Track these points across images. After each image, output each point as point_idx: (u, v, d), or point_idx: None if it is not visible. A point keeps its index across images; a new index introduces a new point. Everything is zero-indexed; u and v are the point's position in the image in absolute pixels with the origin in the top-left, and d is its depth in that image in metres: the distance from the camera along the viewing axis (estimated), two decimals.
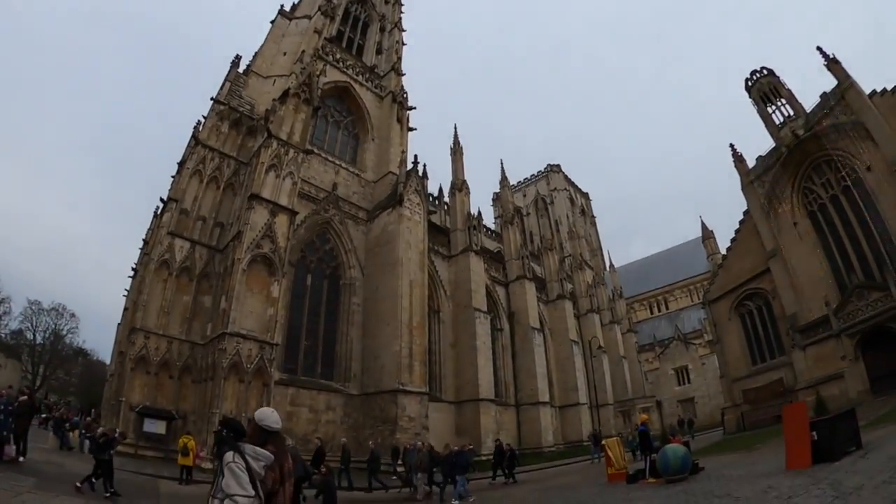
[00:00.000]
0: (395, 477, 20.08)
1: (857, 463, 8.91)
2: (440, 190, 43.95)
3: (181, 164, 30.53)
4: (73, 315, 61.85)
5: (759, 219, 29.90)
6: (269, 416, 4.40)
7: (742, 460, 14.82)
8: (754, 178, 30.81)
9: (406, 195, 30.32)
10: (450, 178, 41.42)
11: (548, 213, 67.00)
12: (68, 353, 64.30)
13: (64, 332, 61.84)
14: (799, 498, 7.50)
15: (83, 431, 21.84)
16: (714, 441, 25.85)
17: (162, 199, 30.34)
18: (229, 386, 20.40)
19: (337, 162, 32.67)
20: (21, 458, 12.71)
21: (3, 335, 58.06)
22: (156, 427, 19.90)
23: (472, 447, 21.54)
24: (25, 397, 14.16)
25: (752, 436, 23.11)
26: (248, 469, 3.70)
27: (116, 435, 13.30)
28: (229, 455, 3.72)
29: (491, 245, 46.78)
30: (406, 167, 32.03)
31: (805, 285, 27.07)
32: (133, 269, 40.07)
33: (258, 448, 3.90)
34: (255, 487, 3.65)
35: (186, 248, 25.20)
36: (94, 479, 11.29)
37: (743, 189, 31.76)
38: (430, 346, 31.39)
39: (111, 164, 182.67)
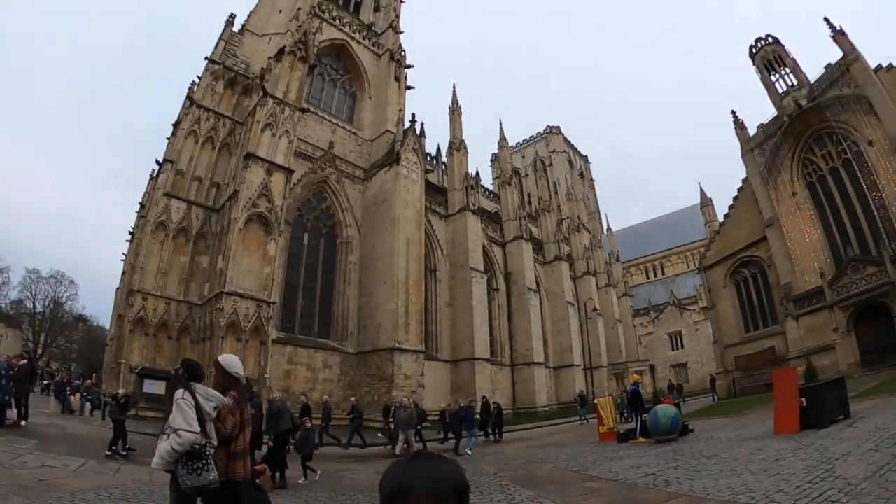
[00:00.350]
0: (380, 434, 20.36)
1: (844, 431, 9.06)
2: (438, 149, 43.52)
3: (176, 126, 30.15)
4: (71, 282, 62.25)
5: (758, 187, 29.75)
6: (235, 363, 4.55)
7: (731, 424, 15.09)
8: (755, 145, 30.51)
9: (403, 153, 29.99)
10: (448, 139, 40.89)
11: (546, 174, 66.37)
12: (68, 320, 64.76)
13: (63, 300, 62.33)
14: (786, 461, 7.64)
15: (84, 395, 22.13)
16: (704, 406, 26.32)
17: (157, 162, 30.02)
18: (227, 345, 20.56)
19: (333, 121, 32.19)
20: (23, 423, 12.85)
21: (2, 306, 58.46)
22: (155, 388, 20.06)
23: (472, 403, 21.78)
24: (25, 361, 14.20)
25: (742, 402, 23.51)
26: (198, 407, 3.80)
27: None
28: (179, 392, 3.86)
29: (489, 205, 46.62)
30: (403, 126, 31.56)
31: (801, 255, 27.14)
32: (130, 232, 39.90)
33: (210, 389, 4.03)
34: (202, 425, 3.76)
35: (183, 208, 25.08)
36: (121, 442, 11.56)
37: (743, 156, 31.48)
38: (427, 305, 31.55)
39: (105, 130, 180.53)
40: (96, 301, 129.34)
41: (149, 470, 9.34)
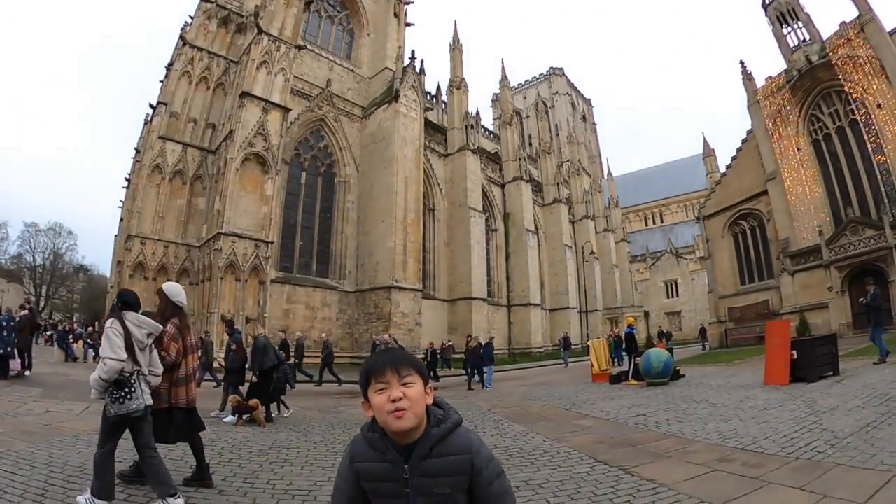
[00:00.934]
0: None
1: (833, 387, 9.22)
2: (438, 88, 42.47)
3: (169, 67, 29.34)
4: (70, 232, 62.13)
5: (762, 139, 29.31)
6: (179, 292, 4.71)
7: (721, 372, 15.40)
8: (762, 97, 29.84)
9: (402, 91, 29.36)
10: (448, 77, 39.84)
11: (548, 116, 65.07)
12: (68, 270, 65.05)
13: (63, 251, 62.53)
14: (774, 410, 7.85)
15: (87, 342, 22.41)
16: (696, 354, 26.85)
17: (151, 105, 29.35)
18: (226, 286, 20.81)
19: (331, 58, 31.27)
20: (27, 373, 13.01)
21: (2, 261, 58.41)
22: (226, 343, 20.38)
23: (490, 340, 22.07)
24: (26, 311, 14.24)
25: (733, 352, 23.97)
26: (127, 336, 3.85)
27: None
28: (109, 322, 3.91)
29: (488, 146, 45.96)
30: (403, 63, 30.70)
31: (800, 212, 27.06)
32: (126, 178, 39.48)
33: (143, 317, 4.08)
34: (131, 353, 3.83)
35: (178, 151, 24.77)
36: None
37: (749, 107, 30.84)
38: (425, 244, 31.89)
39: (97, 76, 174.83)
40: (96, 250, 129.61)
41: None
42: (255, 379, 9.16)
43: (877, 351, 12.07)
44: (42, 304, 55.74)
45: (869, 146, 24.87)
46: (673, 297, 62.40)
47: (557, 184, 48.84)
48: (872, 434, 5.52)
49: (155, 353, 4.24)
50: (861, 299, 13.35)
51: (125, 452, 4.82)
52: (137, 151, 35.66)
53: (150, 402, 4.05)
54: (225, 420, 9.03)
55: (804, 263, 26.33)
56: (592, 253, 50.91)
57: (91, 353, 21.79)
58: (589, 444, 6.81)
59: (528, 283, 39.96)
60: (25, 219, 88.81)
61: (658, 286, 63.56)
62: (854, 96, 25.33)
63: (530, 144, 63.20)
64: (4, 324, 11.92)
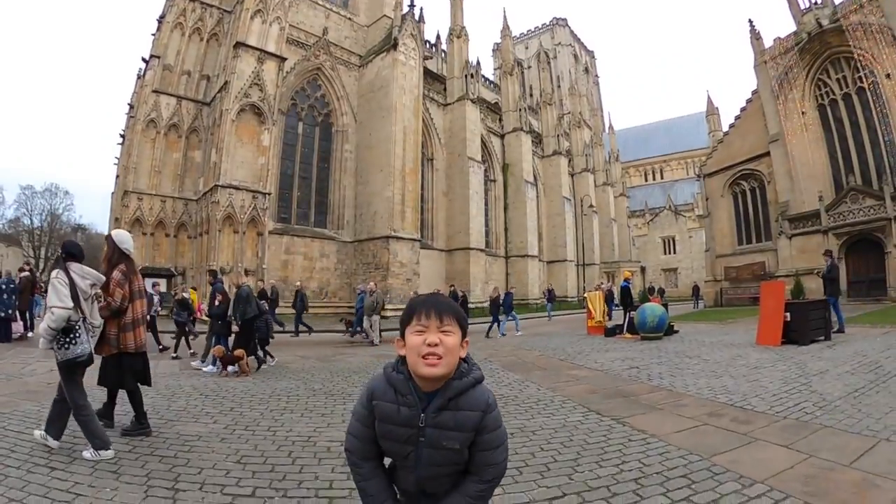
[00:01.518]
0: (342, 320, 20.53)
1: (824, 351, 9.35)
2: (437, 37, 41.45)
3: (161, 20, 28.19)
4: (66, 193, 62.43)
5: (767, 100, 28.80)
6: (126, 239, 4.79)
7: (715, 330, 15.64)
8: (769, 58, 29.19)
9: (401, 39, 28.58)
10: (448, 26, 38.68)
11: (550, 67, 63.75)
12: (67, 231, 64.25)
13: (60, 212, 62.55)
14: (765, 370, 8.02)
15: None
16: (689, 311, 27.17)
17: (144, 59, 28.45)
18: (224, 238, 20.84)
19: (327, 6, 30.23)
20: (29, 334, 13.10)
21: (0, 225, 58.35)
22: (210, 292, 20.39)
23: (512, 290, 22.08)
24: (27, 273, 14.25)
25: (727, 311, 24.34)
26: (72, 285, 3.98)
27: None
28: (54, 272, 4.05)
29: (489, 96, 45.20)
30: (401, 10, 29.72)
31: (801, 176, 26.87)
32: (121, 135, 38.64)
33: (86, 268, 4.19)
34: (76, 302, 3.97)
35: (173, 104, 24.33)
36: (189, 342, 12.20)
37: (755, 67, 30.17)
38: (423, 194, 31.78)
39: (87, 33, 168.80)
40: (93, 209, 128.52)
41: (154, 363, 9.73)
42: (236, 328, 9.21)
43: (871, 320, 12.19)
44: (41, 266, 55.95)
45: (875, 115, 24.57)
46: (670, 253, 62.64)
47: (558, 136, 48.23)
48: (860, 400, 5.63)
49: (95, 305, 4.37)
50: (816, 271, 13.42)
51: (121, 406, 4.98)
52: (131, 107, 34.81)
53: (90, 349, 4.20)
54: (204, 369, 9.08)
55: (802, 228, 26.37)
56: (591, 206, 50.81)
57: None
58: (582, 394, 6.98)
59: (526, 234, 40.06)
60: (21, 182, 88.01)
61: (656, 242, 63.71)
62: (863, 64, 24.87)
63: (531, 96, 62.04)
64: (5, 287, 11.98)
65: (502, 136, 42.13)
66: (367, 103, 29.47)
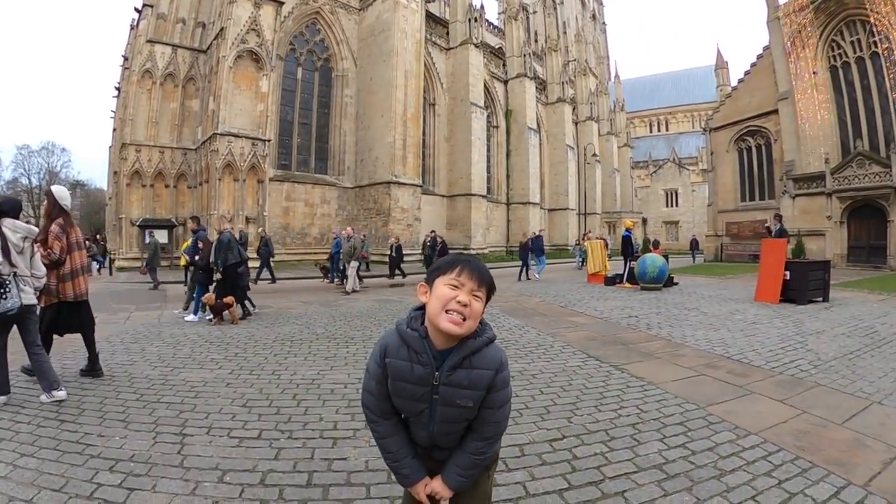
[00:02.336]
0: (316, 265, 20.57)
1: (821, 312, 9.39)
2: None
3: None
4: (63, 149, 61.40)
5: (779, 57, 27.89)
6: (65, 195, 4.99)
7: (714, 284, 15.76)
8: (783, 14, 27.98)
9: None
10: None
11: (556, 13, 61.43)
12: (66, 187, 63.15)
13: (58, 169, 61.85)
14: (762, 325, 8.11)
15: (88, 254, 22.35)
16: (688, 265, 27.23)
17: (136, 9, 27.45)
18: (224, 186, 20.73)
19: None
20: None
21: None
22: (157, 237, 20.36)
23: (541, 233, 22.41)
24: None
25: (726, 266, 24.43)
26: (3, 239, 4.09)
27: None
28: None
29: (492, 41, 44.05)
30: None
31: (808, 136, 26.34)
32: (116, 87, 37.82)
33: (18, 222, 4.28)
34: (7, 256, 4.07)
35: (168, 53, 23.61)
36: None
37: (768, 22, 28.95)
38: (425, 140, 31.41)
39: None
40: (91, 164, 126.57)
41: (158, 313, 9.88)
42: (218, 275, 9.05)
43: (869, 286, 12.19)
44: (42, 224, 55.43)
45: (888, 82, 23.84)
46: (672, 206, 62.33)
47: (562, 83, 47.21)
48: (855, 362, 5.69)
49: (37, 256, 4.47)
50: (765, 225, 13.29)
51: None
52: (126, 59, 33.94)
53: (28, 301, 4.25)
54: (187, 319, 9.03)
55: (806, 189, 26.06)
56: (595, 155, 50.22)
57: (95, 265, 22.06)
58: (582, 340, 7.09)
59: (528, 181, 39.76)
60: (17, 142, 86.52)
61: (658, 194, 63.32)
62: (879, 29, 23.92)
63: (536, 41, 60.24)
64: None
65: (506, 82, 41.22)
66: (367, 48, 28.70)
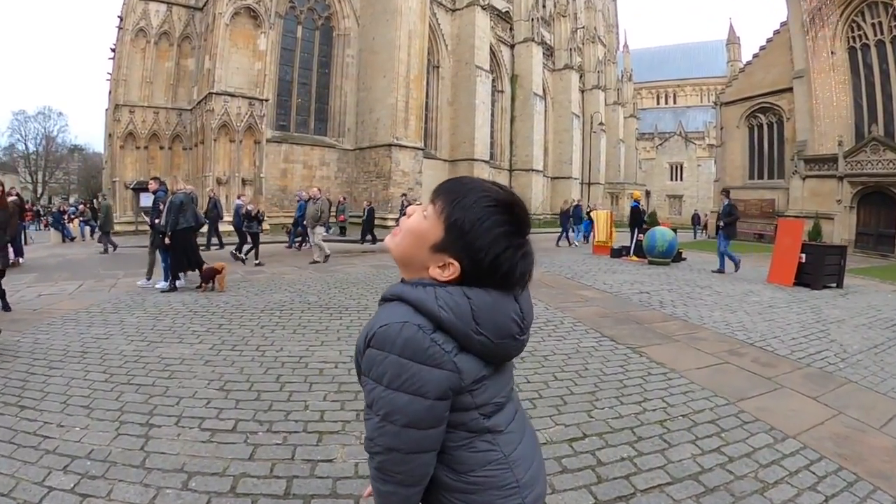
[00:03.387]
0: (283, 228, 19.81)
1: (837, 299, 9.00)
2: None
3: None
4: (60, 114, 61.07)
5: (796, 34, 26.86)
6: None
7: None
8: None
9: None
10: None
11: None
12: (62, 152, 62.89)
13: (55, 134, 60.69)
14: (779, 309, 7.75)
15: (81, 219, 21.97)
16: (690, 241, 26.98)
17: None
18: (220, 147, 20.11)
19: None
20: (21, 260, 12.42)
21: None
22: (151, 200, 19.77)
23: (579, 203, 22.74)
24: (14, 198, 13.66)
25: (732, 244, 23.81)
26: None
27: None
28: None
29: (500, 4, 42.53)
30: None
31: (823, 117, 25.52)
32: (112, 49, 36.70)
33: None
34: None
35: (162, 10, 22.58)
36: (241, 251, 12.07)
37: None
38: (428, 102, 30.50)
39: None
40: (89, 128, 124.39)
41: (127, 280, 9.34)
42: (167, 240, 8.24)
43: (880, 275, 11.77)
44: (40, 189, 55.44)
45: None
46: (677, 180, 61.52)
47: (570, 50, 45.98)
48: (882, 357, 5.37)
49: None
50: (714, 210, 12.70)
51: None
52: (121, 19, 32.91)
53: None
54: (157, 286, 8.32)
55: (817, 170, 25.39)
56: (601, 124, 49.30)
57: (87, 229, 21.56)
58: (593, 317, 6.75)
59: (531, 148, 38.87)
60: (13, 108, 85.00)
61: (663, 167, 62.51)
62: None
63: (544, 6, 58.43)
64: None
65: (512, 47, 40.04)
66: (370, 6, 27.65)
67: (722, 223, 12.68)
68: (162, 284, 8.34)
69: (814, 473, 2.86)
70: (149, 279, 8.71)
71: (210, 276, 8.15)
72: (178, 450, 2.82)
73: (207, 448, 2.85)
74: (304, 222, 13.61)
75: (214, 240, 16.35)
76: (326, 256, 12.37)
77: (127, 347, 4.80)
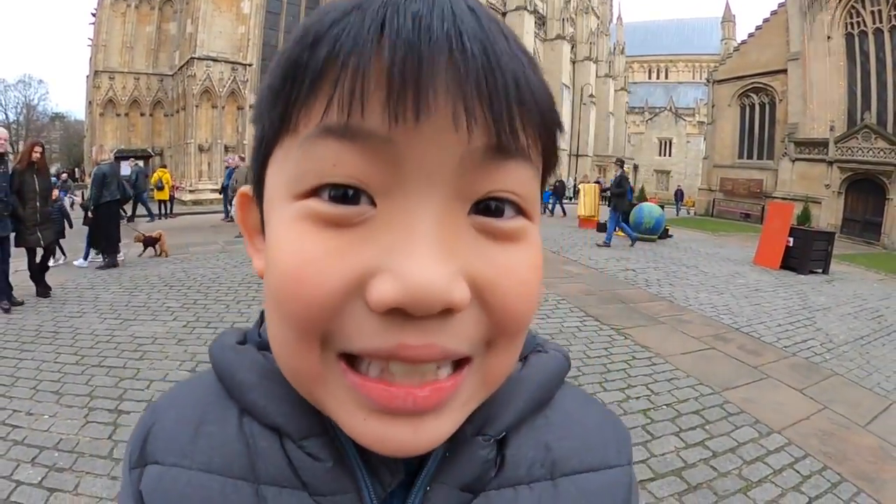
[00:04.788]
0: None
1: (823, 286, 9.01)
2: None
3: None
4: (40, 82, 58.91)
5: (794, 16, 26.61)
6: None
7: (709, 241, 15.33)
8: None
9: None
10: None
11: None
12: (44, 121, 61.17)
13: (35, 102, 59.13)
14: (766, 293, 7.77)
15: (62, 189, 21.47)
16: (674, 217, 27.02)
17: None
18: (202, 114, 19.75)
19: None
20: None
21: None
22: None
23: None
24: None
25: (718, 222, 24.31)
26: None
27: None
28: None
29: None
30: None
31: (816, 101, 25.49)
32: (93, 14, 35.43)
33: None
34: None
35: None
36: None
37: None
38: None
39: None
40: (70, 95, 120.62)
41: (126, 249, 8.76)
42: (89, 214, 7.62)
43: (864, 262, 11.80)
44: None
45: None
46: (665, 155, 61.46)
47: (563, 20, 45.30)
48: (867, 350, 5.39)
49: None
50: (598, 180, 12.53)
51: None
52: None
53: None
54: (75, 263, 7.62)
55: (808, 154, 25.42)
56: (591, 97, 48.93)
57: (67, 200, 21.06)
58: (577, 294, 6.68)
59: None
60: None
61: (652, 142, 62.37)
62: None
63: None
64: None
65: (503, 14, 39.27)
66: None
67: (609, 194, 12.40)
68: (80, 262, 7.70)
69: (798, 472, 2.84)
70: (85, 259, 7.93)
71: (149, 244, 8.06)
72: None
73: None
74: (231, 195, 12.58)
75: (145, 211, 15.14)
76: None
77: (100, 326, 4.65)
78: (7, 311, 5.02)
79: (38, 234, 5.70)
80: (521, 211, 0.31)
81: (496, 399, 0.36)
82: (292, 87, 0.29)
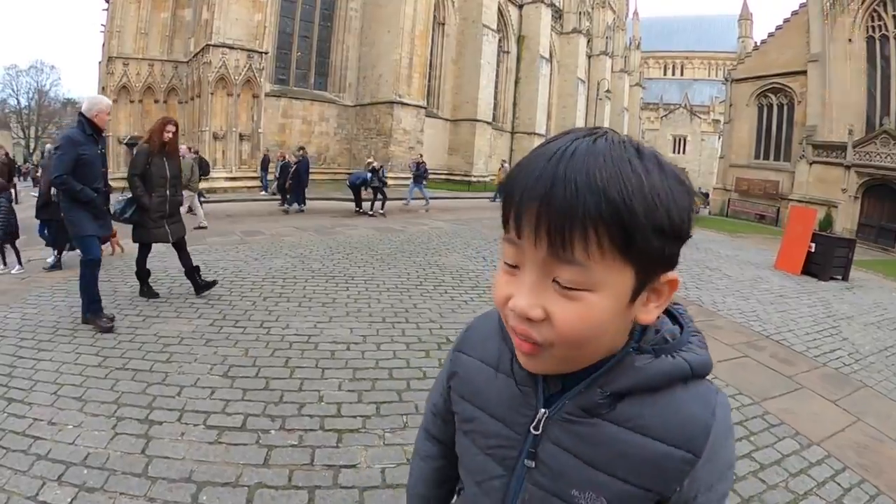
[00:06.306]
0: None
1: (844, 293, 8.90)
2: None
3: None
4: (52, 67, 59.21)
5: (815, 17, 26.14)
6: None
7: (727, 242, 15.17)
8: None
9: None
10: None
11: None
12: (55, 106, 60.97)
13: (47, 88, 59.24)
14: (791, 300, 7.69)
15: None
16: (698, 216, 26.76)
17: None
18: (217, 101, 19.55)
19: None
20: None
21: None
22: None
23: None
24: (3, 155, 13.60)
25: (733, 223, 24.13)
26: None
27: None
28: None
29: None
30: None
31: (835, 104, 25.06)
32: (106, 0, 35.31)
33: None
34: None
35: None
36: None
37: None
38: (432, 60, 29.77)
39: None
40: (82, 81, 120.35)
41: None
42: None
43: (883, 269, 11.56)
44: (32, 145, 54.43)
45: None
46: (680, 153, 60.93)
47: (580, 13, 44.75)
48: (893, 361, 5.35)
49: None
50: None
51: None
52: None
53: None
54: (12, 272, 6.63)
55: (825, 157, 25.14)
56: (607, 91, 48.56)
57: None
58: None
59: (535, 111, 38.22)
60: (4, 63, 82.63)
61: (666, 139, 61.84)
62: None
63: None
64: None
65: (520, 7, 38.81)
66: None
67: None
68: (17, 269, 6.73)
69: (839, 486, 2.85)
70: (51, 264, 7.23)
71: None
72: (182, 453, 2.56)
73: (216, 451, 2.61)
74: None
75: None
76: (200, 226, 10.55)
77: (121, 323, 4.44)
78: (109, 329, 4.27)
79: (167, 227, 5.15)
80: (582, 285, 0.55)
81: (618, 373, 0.62)
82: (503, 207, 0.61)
